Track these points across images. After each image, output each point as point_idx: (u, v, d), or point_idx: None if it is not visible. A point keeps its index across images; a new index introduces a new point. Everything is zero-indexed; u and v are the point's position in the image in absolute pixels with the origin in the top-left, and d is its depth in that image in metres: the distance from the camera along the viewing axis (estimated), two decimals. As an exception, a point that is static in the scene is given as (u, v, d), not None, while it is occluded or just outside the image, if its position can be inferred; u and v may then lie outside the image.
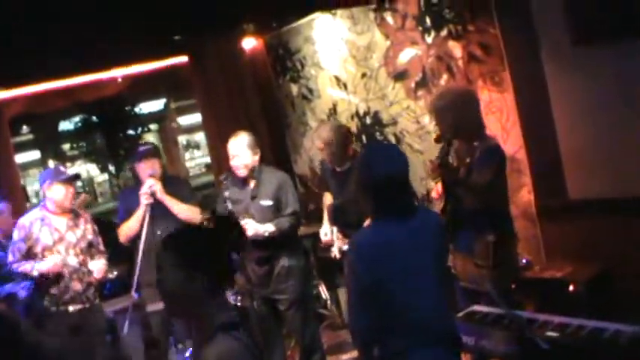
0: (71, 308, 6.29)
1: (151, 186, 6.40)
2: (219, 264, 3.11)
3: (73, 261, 6.32)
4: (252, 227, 6.15)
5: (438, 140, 5.12)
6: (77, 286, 6.33)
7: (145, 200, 6.39)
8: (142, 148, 6.78)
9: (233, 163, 6.33)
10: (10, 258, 6.28)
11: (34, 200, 17.85)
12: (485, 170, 5.11)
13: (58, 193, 6.33)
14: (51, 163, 22.82)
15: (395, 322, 3.75)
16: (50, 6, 6.16)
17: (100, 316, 6.57)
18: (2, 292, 6.52)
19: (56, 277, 6.23)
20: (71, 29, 6.78)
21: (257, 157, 6.38)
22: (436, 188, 5.41)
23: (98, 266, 6.40)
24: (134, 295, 6.17)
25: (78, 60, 7.95)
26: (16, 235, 6.31)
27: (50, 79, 8.44)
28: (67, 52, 7.38)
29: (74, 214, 6.51)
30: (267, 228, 6.23)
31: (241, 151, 6.31)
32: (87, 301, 6.37)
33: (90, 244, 6.51)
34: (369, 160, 3.95)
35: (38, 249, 6.25)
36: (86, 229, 6.52)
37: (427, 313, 3.74)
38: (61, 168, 6.57)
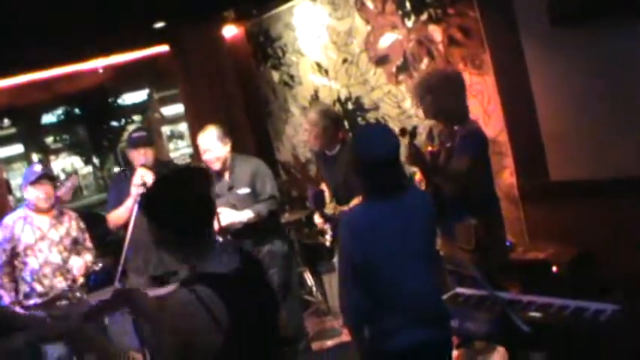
0: (57, 304, 6.24)
1: (142, 176, 6.34)
2: (195, 213, 3.13)
3: (57, 258, 6.30)
4: (228, 217, 6.16)
5: (402, 133, 5.05)
6: (62, 283, 6.32)
7: (137, 190, 6.33)
8: (135, 135, 6.68)
9: (205, 157, 6.33)
10: None
11: (17, 194, 17.75)
12: (463, 157, 5.12)
13: (31, 194, 6.30)
14: (34, 157, 22.77)
15: (384, 301, 3.79)
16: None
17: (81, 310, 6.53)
18: None
19: (38, 275, 6.24)
20: (49, 19, 6.75)
21: (228, 148, 6.38)
22: (419, 173, 5.41)
23: (78, 263, 6.37)
24: (117, 284, 6.13)
25: (57, 51, 7.92)
26: None
27: (29, 71, 8.40)
28: (45, 42, 7.35)
29: (58, 211, 6.48)
30: (244, 216, 6.24)
31: (211, 144, 6.31)
32: (73, 297, 6.32)
33: (75, 241, 6.48)
34: (360, 140, 4.00)
35: (20, 248, 6.23)
36: (70, 226, 6.48)
37: (417, 292, 3.77)
38: (34, 168, 6.42)
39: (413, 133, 5.13)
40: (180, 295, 3.01)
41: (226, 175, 6.39)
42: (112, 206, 6.64)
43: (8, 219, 6.34)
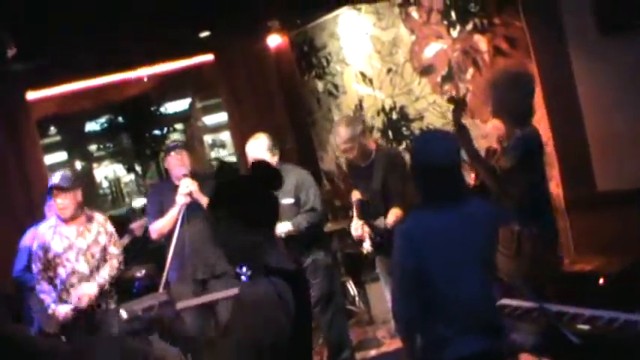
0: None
1: (187, 186, 6.39)
2: (266, 208, 3.24)
3: (84, 267, 6.27)
4: None
5: (450, 101, 4.98)
6: None
7: (182, 200, 6.36)
8: (171, 144, 6.82)
9: None
10: (34, 268, 6.30)
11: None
12: (510, 154, 5.07)
13: (54, 203, 6.31)
14: (78, 165, 22.96)
15: (437, 310, 3.75)
16: (77, 7, 6.20)
17: (114, 321, 6.52)
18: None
19: (65, 285, 6.25)
20: (97, 29, 6.82)
21: (276, 158, 6.38)
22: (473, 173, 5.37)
23: (82, 290, 6.23)
24: (162, 291, 6.16)
25: (105, 60, 8.00)
26: (35, 244, 6.33)
27: (78, 79, 8.49)
28: (93, 52, 7.42)
29: (87, 217, 6.43)
30: (283, 228, 6.25)
31: (261, 154, 6.28)
32: (100, 306, 6.32)
33: (104, 248, 6.43)
34: (420, 145, 3.99)
35: (51, 257, 6.24)
36: (99, 233, 6.42)
37: (470, 301, 3.73)
38: (52, 178, 6.34)
39: (459, 101, 5.12)
40: (261, 286, 3.12)
41: None
42: (153, 216, 6.68)
43: (42, 227, 6.37)
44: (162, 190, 6.87)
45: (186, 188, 6.34)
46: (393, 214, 6.06)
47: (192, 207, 6.42)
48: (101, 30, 6.92)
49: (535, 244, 5.23)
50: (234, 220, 3.19)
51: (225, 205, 3.26)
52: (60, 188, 6.20)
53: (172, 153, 6.60)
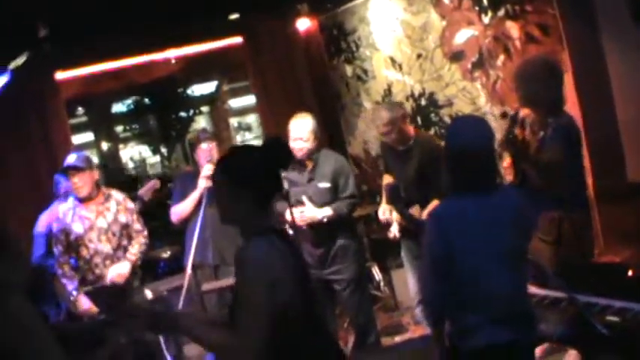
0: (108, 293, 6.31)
1: (210, 169, 6.42)
2: (269, 181, 3.37)
3: (106, 247, 6.33)
4: (310, 213, 6.17)
5: (503, 116, 5.01)
6: None
7: (204, 183, 6.39)
8: (201, 135, 6.83)
9: (295, 145, 6.19)
10: (55, 251, 6.36)
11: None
12: (555, 146, 5.02)
13: (70, 183, 6.36)
14: (104, 145, 23.07)
15: (467, 297, 3.74)
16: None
17: (138, 299, 6.57)
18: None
19: (89, 265, 6.33)
20: (124, 9, 6.82)
21: (317, 142, 6.35)
22: (508, 158, 5.32)
23: (116, 271, 6.33)
24: (189, 271, 6.20)
25: (133, 42, 8.01)
26: (55, 227, 6.38)
27: (106, 60, 8.51)
28: (119, 33, 7.43)
29: (105, 196, 6.47)
30: (325, 212, 6.23)
31: (305, 134, 6.22)
32: (123, 285, 6.37)
33: (125, 225, 6.48)
34: (455, 130, 3.98)
35: (72, 238, 6.29)
36: (118, 211, 6.46)
37: (500, 290, 3.71)
38: (67, 159, 6.40)
39: (514, 118, 5.08)
40: (259, 244, 3.24)
41: (309, 166, 6.34)
42: (176, 201, 6.76)
43: (61, 210, 6.42)
44: (186, 177, 6.95)
45: (209, 171, 6.37)
46: (432, 207, 6.02)
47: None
48: (130, 12, 6.93)
49: (576, 231, 5.19)
50: (235, 187, 3.33)
51: (229, 171, 3.39)
52: (76, 168, 6.26)
53: (203, 144, 6.66)
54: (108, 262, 6.33)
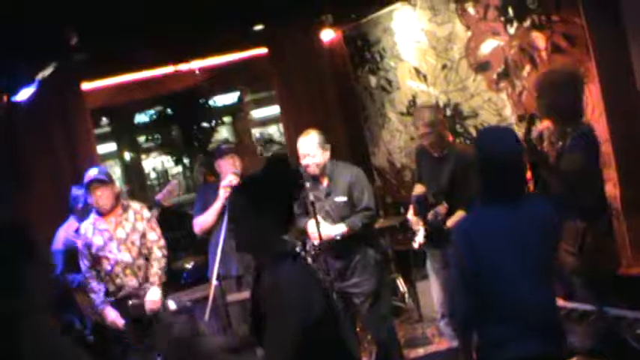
0: (130, 302, 6.38)
1: (231, 180, 6.46)
2: (284, 207, 3.42)
3: (126, 257, 6.36)
4: (325, 232, 6.17)
5: (521, 118, 5.00)
6: (132, 281, 6.41)
7: (225, 193, 6.43)
8: (223, 146, 6.98)
9: (304, 162, 6.29)
10: (82, 266, 6.44)
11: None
12: (575, 155, 5.00)
13: (93, 197, 6.40)
14: (127, 155, 23.18)
15: (495, 310, 3.72)
16: (134, 2, 6.25)
17: (161, 312, 6.57)
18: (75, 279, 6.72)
19: (110, 276, 6.39)
20: (148, 21, 6.86)
21: (327, 154, 6.34)
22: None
23: (150, 301, 6.37)
24: (215, 282, 6.20)
25: (159, 53, 8.04)
26: (80, 243, 6.46)
27: (132, 71, 8.55)
28: (144, 44, 7.47)
29: (123, 208, 6.51)
30: (339, 230, 6.24)
31: (312, 150, 6.28)
32: (145, 295, 6.40)
33: (143, 235, 6.50)
34: (484, 139, 3.99)
35: (94, 251, 6.36)
36: (136, 220, 6.50)
37: (527, 303, 3.68)
38: (89, 173, 6.45)
39: (531, 120, 5.08)
40: (291, 268, 3.33)
41: (325, 182, 6.36)
42: (198, 212, 6.86)
43: (83, 226, 6.50)
44: (208, 189, 7.03)
45: (229, 182, 6.40)
46: (457, 217, 6.00)
47: None
48: (156, 24, 6.97)
49: (599, 242, 5.16)
50: (250, 210, 3.39)
51: (245, 194, 3.48)
52: (100, 181, 6.34)
53: (225, 157, 6.75)
54: (128, 271, 6.39)
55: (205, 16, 7.37)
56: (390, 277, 8.06)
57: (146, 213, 6.63)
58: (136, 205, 6.63)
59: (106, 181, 6.35)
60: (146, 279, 6.44)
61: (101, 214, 6.41)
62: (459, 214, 5.98)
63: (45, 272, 3.38)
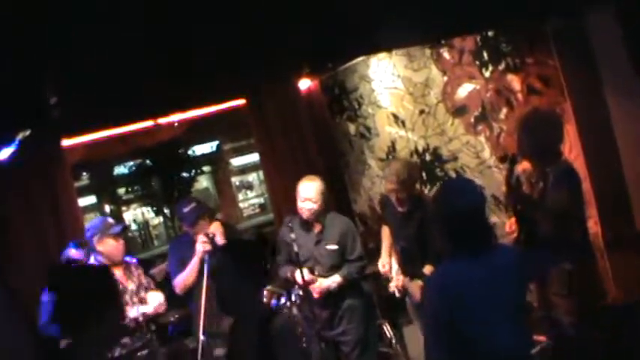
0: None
1: (204, 247, 6.33)
2: (263, 268, 3.63)
3: (143, 308, 6.27)
4: (321, 286, 6.24)
5: (502, 160, 5.07)
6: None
7: (204, 247, 6.32)
8: (185, 210, 6.60)
9: (303, 205, 6.32)
10: None
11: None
12: (563, 192, 5.05)
13: (108, 246, 6.27)
14: (107, 208, 23.13)
15: (472, 357, 3.71)
16: (111, 58, 6.29)
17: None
18: None
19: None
20: (130, 77, 6.89)
21: (325, 203, 6.40)
22: (510, 222, 5.34)
23: (156, 298, 6.30)
24: (202, 337, 6.14)
25: (137, 108, 8.07)
26: None
27: (111, 127, 8.56)
28: (126, 100, 7.50)
29: (125, 264, 6.44)
30: (334, 280, 6.30)
31: (314, 195, 6.32)
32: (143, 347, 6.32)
33: (146, 289, 6.44)
34: (444, 195, 3.98)
35: None
36: (140, 275, 6.47)
37: (503, 351, 3.69)
38: (109, 220, 6.48)
39: (513, 160, 5.12)
40: None
41: (316, 229, 6.40)
42: (175, 272, 6.62)
43: None
44: (182, 245, 6.75)
45: (203, 249, 6.31)
46: (428, 271, 6.04)
47: (216, 255, 6.36)
48: (133, 79, 7.00)
49: (588, 281, 5.20)
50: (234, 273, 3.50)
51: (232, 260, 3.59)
52: (125, 229, 6.49)
53: (194, 225, 6.52)
54: (133, 324, 6.25)
55: (184, 72, 7.40)
56: (376, 322, 8.04)
57: (141, 269, 6.59)
58: (132, 261, 6.58)
59: (121, 232, 6.35)
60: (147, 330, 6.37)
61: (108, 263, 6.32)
62: (428, 269, 6.03)
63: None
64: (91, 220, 7.69)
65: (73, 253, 6.76)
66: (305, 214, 6.33)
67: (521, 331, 3.82)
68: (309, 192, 6.33)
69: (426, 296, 3.90)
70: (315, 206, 6.30)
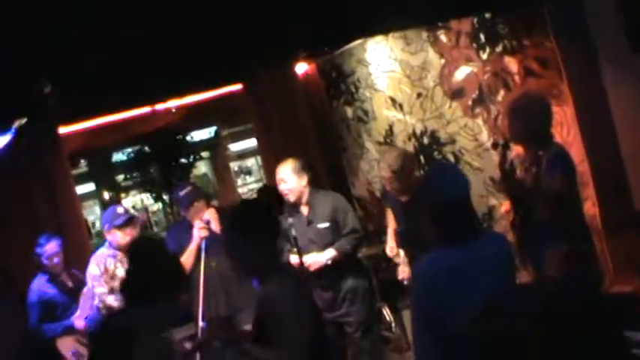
0: None
1: (200, 233, 6.36)
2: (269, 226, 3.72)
3: None
4: (313, 260, 6.20)
5: (495, 146, 5.05)
6: None
7: (200, 233, 6.36)
8: (181, 194, 6.63)
9: (280, 187, 6.35)
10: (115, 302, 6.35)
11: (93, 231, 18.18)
12: (555, 175, 5.03)
13: (115, 237, 6.43)
14: (106, 195, 23.09)
15: (458, 351, 3.69)
16: (107, 45, 6.28)
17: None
18: (59, 328, 6.64)
19: None
20: (127, 64, 6.88)
21: (304, 182, 6.35)
22: (506, 203, 5.33)
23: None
24: (202, 324, 6.15)
25: (134, 94, 8.05)
26: (98, 281, 6.38)
27: (108, 114, 8.54)
28: (123, 87, 7.48)
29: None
30: (328, 255, 6.25)
31: (286, 176, 6.31)
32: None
33: None
34: (429, 183, 3.91)
35: (116, 284, 6.29)
36: None
37: None
38: (118, 210, 6.54)
39: (506, 145, 5.11)
40: (279, 281, 3.72)
41: (305, 210, 6.38)
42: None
43: (99, 261, 6.44)
44: (179, 231, 6.78)
45: (199, 235, 6.35)
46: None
47: (214, 241, 6.38)
48: (130, 65, 6.98)
49: (584, 265, 5.18)
50: (241, 239, 3.75)
51: (235, 226, 3.85)
52: (132, 220, 6.58)
53: (190, 207, 6.55)
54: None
55: (180, 57, 7.39)
56: (376, 306, 8.05)
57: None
58: None
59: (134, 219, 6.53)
60: None
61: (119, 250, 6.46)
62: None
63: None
64: (105, 210, 7.74)
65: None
66: (286, 197, 6.34)
67: None
68: (281, 173, 6.34)
69: (414, 289, 3.86)
70: (288, 185, 6.28)
